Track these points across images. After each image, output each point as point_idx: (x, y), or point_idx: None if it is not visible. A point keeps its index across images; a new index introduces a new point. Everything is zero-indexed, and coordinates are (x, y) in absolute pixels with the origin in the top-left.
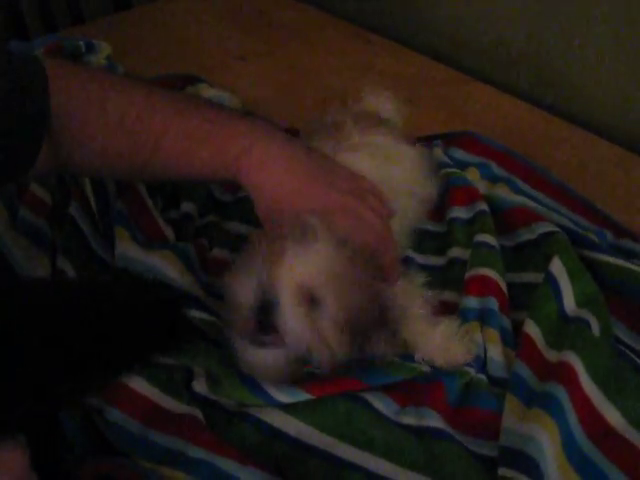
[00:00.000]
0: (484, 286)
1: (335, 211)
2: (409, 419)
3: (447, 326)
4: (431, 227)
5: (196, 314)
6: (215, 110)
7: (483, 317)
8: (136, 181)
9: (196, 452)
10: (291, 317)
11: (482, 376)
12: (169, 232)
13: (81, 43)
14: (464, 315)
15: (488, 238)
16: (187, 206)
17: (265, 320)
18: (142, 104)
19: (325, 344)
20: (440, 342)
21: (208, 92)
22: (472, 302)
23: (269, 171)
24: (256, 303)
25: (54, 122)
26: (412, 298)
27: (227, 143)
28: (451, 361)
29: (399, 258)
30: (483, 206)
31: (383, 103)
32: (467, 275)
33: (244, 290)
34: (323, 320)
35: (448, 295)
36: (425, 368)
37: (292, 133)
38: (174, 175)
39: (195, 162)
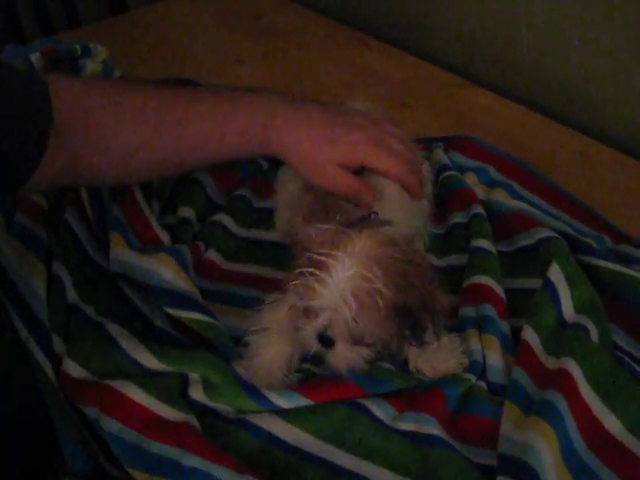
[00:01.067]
0: (481, 294)
1: (362, 143)
2: (407, 425)
3: (444, 343)
4: (433, 230)
5: (192, 316)
6: (229, 90)
7: (481, 324)
8: (165, 177)
9: (192, 461)
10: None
11: (481, 383)
12: (165, 237)
13: (77, 46)
14: (462, 324)
15: (484, 243)
16: (185, 211)
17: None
18: (157, 97)
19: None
20: (431, 355)
21: None
22: (469, 311)
23: (295, 132)
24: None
25: (67, 134)
26: None
27: (250, 117)
28: (439, 373)
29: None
30: (479, 209)
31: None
32: (464, 284)
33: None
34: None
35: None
36: (423, 377)
37: None
38: (203, 159)
39: (223, 140)
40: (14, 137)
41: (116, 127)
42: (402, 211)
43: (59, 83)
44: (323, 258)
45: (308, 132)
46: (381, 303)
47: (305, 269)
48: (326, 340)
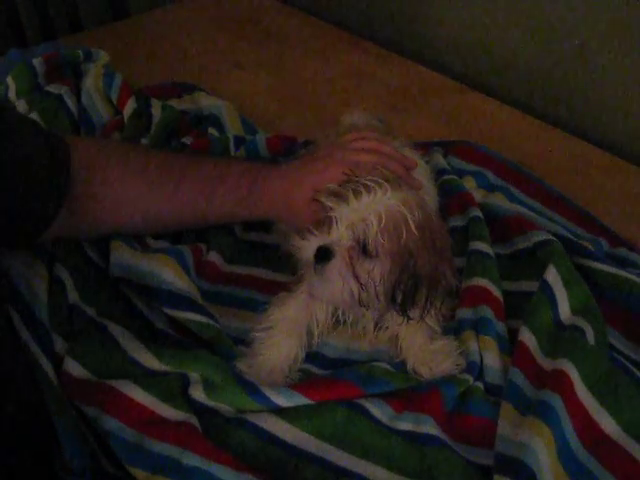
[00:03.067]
0: (478, 296)
1: (326, 169)
2: (405, 425)
3: (441, 345)
4: None
5: (191, 317)
6: (223, 158)
7: (478, 326)
8: (161, 232)
9: (192, 460)
10: (337, 262)
11: (479, 384)
12: (164, 243)
13: (79, 51)
14: (460, 326)
15: (482, 246)
16: None
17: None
18: (159, 157)
19: (357, 284)
20: (427, 356)
21: (205, 100)
22: (467, 313)
23: (272, 190)
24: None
25: (74, 188)
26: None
27: (237, 180)
28: (435, 374)
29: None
30: (477, 212)
31: (359, 118)
32: (462, 286)
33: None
34: (368, 269)
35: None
36: (420, 378)
37: (307, 144)
38: (194, 217)
39: (212, 201)
40: (34, 194)
41: (118, 180)
42: None
43: (76, 144)
44: (369, 182)
45: (282, 185)
46: (404, 234)
47: (349, 189)
48: (325, 253)
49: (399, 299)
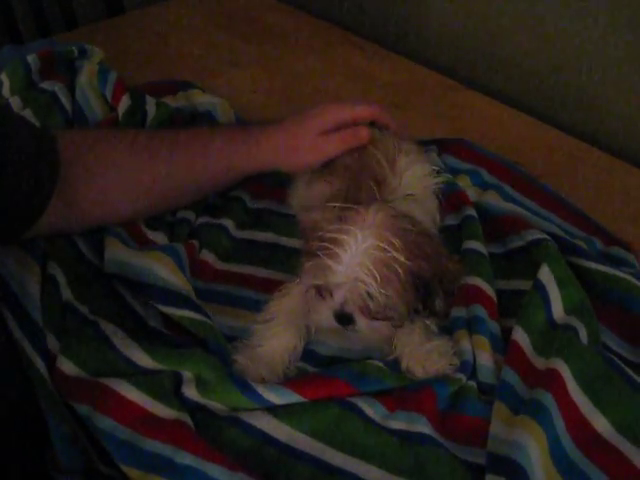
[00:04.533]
0: (471, 295)
1: (328, 107)
2: (398, 424)
3: (436, 345)
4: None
5: (185, 314)
6: (212, 125)
7: (471, 325)
8: (159, 209)
9: (185, 458)
10: (361, 322)
11: (472, 383)
12: (159, 238)
13: (74, 48)
14: (453, 324)
15: (476, 245)
16: (183, 212)
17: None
18: (146, 132)
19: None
20: (422, 355)
21: (200, 98)
22: (460, 312)
23: (269, 134)
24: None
25: (68, 173)
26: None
27: (230, 136)
28: (429, 373)
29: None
30: (471, 211)
31: None
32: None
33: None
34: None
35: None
36: (413, 377)
37: None
38: (192, 180)
39: (208, 157)
40: (20, 188)
41: (111, 155)
42: (416, 204)
43: (61, 135)
44: (335, 235)
45: (281, 128)
46: (401, 272)
47: (317, 249)
48: (344, 317)
49: (421, 308)
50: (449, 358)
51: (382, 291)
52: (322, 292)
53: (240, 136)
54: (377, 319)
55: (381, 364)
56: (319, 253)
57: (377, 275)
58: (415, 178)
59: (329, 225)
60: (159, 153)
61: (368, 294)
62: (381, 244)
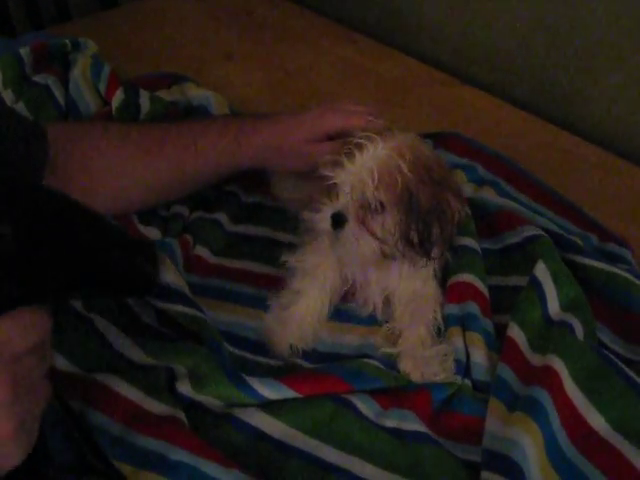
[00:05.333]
0: (464, 292)
1: (320, 115)
2: (391, 422)
3: (436, 351)
4: None
5: (178, 309)
6: (204, 117)
7: (465, 322)
8: (150, 202)
9: (178, 455)
10: (350, 225)
11: (467, 381)
12: (154, 234)
13: (67, 41)
14: (446, 322)
15: (468, 241)
16: (177, 207)
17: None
18: (139, 125)
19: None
20: (421, 362)
21: (194, 91)
22: (453, 309)
23: (261, 132)
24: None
25: (58, 165)
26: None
27: (222, 130)
28: (426, 380)
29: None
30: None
31: None
32: (449, 282)
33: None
34: (380, 223)
35: None
36: (409, 379)
37: None
38: (181, 175)
39: (198, 153)
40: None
41: (101, 146)
42: None
43: (52, 126)
44: (360, 141)
45: (272, 128)
46: (400, 182)
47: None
48: (339, 219)
49: (416, 240)
50: (449, 370)
51: (375, 194)
52: (331, 194)
53: (232, 132)
54: (370, 232)
55: (378, 363)
56: (343, 155)
57: (375, 177)
58: None
59: (358, 135)
60: (150, 148)
61: (363, 195)
62: (393, 154)
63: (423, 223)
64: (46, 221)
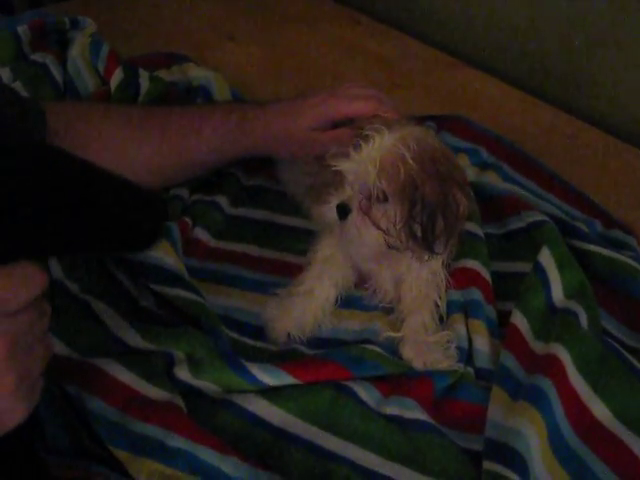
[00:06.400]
0: (467, 278)
1: (325, 101)
2: (392, 409)
3: (439, 337)
4: None
5: (177, 293)
6: (206, 103)
7: (467, 308)
8: (156, 184)
9: (176, 441)
10: (353, 216)
11: (469, 369)
12: None
13: (65, 19)
14: (448, 308)
15: (471, 226)
16: (176, 190)
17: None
18: (140, 107)
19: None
20: (424, 349)
21: (195, 71)
22: (455, 295)
23: (264, 119)
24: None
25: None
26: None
27: (225, 115)
28: (428, 367)
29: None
30: None
31: None
32: (451, 268)
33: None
34: (383, 213)
35: None
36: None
37: None
38: (184, 159)
39: (201, 136)
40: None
41: (102, 127)
42: None
43: (52, 105)
44: (369, 132)
45: (275, 114)
46: (403, 172)
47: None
48: (343, 209)
49: (419, 233)
50: (452, 358)
51: (377, 183)
52: (337, 185)
53: (235, 118)
54: (373, 222)
55: (379, 349)
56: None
57: (377, 166)
58: None
59: (368, 124)
60: (152, 132)
61: (366, 184)
62: (398, 143)
63: (427, 216)
64: (44, 174)
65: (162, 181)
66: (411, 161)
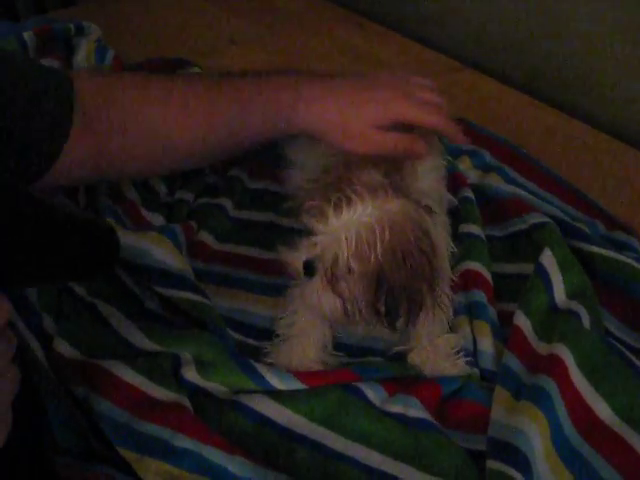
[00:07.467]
0: (470, 280)
1: (392, 100)
2: (396, 407)
3: (446, 340)
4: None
5: (183, 295)
6: (251, 74)
7: (471, 310)
8: (188, 166)
9: (182, 442)
10: (316, 280)
11: (475, 370)
12: (157, 220)
13: (71, 25)
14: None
15: (473, 228)
16: (182, 193)
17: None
18: (182, 80)
19: (340, 300)
20: (432, 355)
21: None
22: (459, 297)
23: (322, 101)
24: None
25: (91, 121)
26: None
27: (276, 92)
28: (435, 373)
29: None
30: (467, 193)
31: None
32: (454, 270)
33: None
34: (348, 285)
35: None
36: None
37: None
38: (231, 141)
39: (250, 115)
40: (38, 120)
41: (141, 107)
42: (429, 180)
43: (80, 75)
44: (352, 195)
45: (335, 100)
46: (372, 256)
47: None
48: (310, 268)
49: (382, 312)
50: (461, 365)
51: (347, 261)
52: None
53: (288, 96)
54: (336, 292)
55: (384, 361)
56: (330, 199)
57: (352, 246)
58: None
59: (355, 182)
60: (196, 110)
61: (336, 257)
62: (376, 225)
63: (391, 300)
64: None
65: (198, 162)
66: (383, 250)
